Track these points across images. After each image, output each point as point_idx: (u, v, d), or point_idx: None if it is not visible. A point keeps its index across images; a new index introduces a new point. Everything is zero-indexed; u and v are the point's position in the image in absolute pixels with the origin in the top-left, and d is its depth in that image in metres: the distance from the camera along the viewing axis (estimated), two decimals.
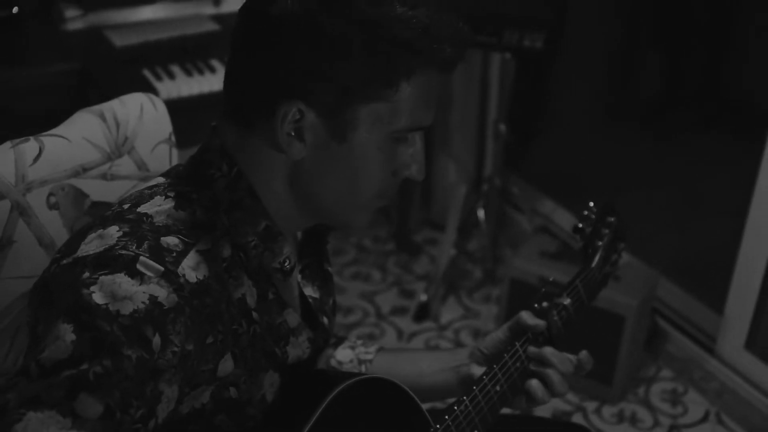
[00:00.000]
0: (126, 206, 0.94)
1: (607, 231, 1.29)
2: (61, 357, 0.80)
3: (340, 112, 0.91)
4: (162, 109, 1.26)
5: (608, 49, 2.91)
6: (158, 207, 0.94)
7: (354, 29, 0.88)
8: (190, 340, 0.87)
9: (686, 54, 2.76)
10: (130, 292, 0.83)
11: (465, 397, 1.07)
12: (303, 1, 0.89)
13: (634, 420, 2.30)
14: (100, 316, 0.81)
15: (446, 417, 1.04)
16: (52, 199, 1.12)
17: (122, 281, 0.84)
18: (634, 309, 2.20)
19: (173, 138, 1.27)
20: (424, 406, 1.12)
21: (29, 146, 1.11)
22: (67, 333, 0.81)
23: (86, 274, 0.84)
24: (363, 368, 1.22)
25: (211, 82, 2.16)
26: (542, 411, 2.14)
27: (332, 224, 1.09)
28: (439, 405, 1.26)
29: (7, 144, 1.11)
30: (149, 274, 0.85)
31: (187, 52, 2.26)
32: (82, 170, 1.16)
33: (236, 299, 0.95)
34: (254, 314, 0.97)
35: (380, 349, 1.25)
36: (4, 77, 2.11)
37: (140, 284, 0.84)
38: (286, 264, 1.00)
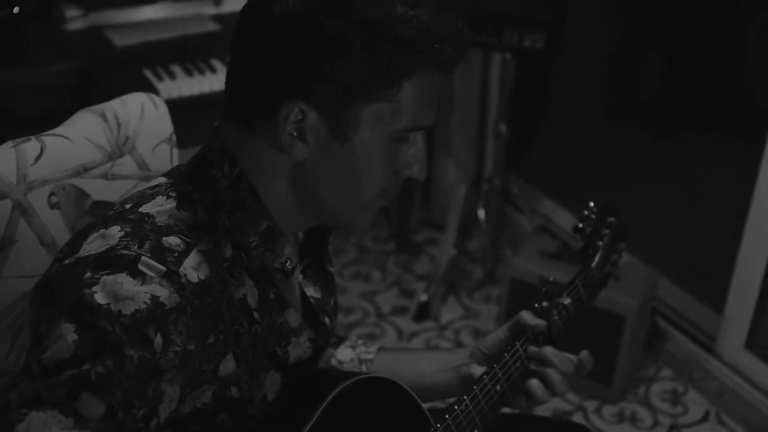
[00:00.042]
0: (128, 206, 0.94)
1: (607, 231, 1.29)
2: (63, 357, 0.80)
3: (342, 112, 0.91)
4: (163, 108, 1.26)
5: (608, 49, 2.91)
6: (160, 207, 0.94)
7: (355, 29, 0.88)
8: (192, 340, 0.87)
9: (686, 54, 2.76)
10: (131, 292, 0.83)
11: (465, 397, 1.07)
12: (304, 2, 0.89)
13: (634, 420, 2.30)
14: (102, 316, 0.81)
15: (447, 416, 1.04)
16: (54, 199, 1.12)
17: (124, 281, 0.84)
18: (634, 309, 2.20)
19: (174, 138, 1.27)
20: (425, 406, 1.13)
21: (30, 146, 1.11)
22: (69, 333, 0.81)
23: (88, 274, 0.84)
24: (363, 368, 1.22)
25: (212, 82, 2.16)
26: (542, 410, 2.14)
27: (334, 225, 1.09)
28: (439, 404, 1.26)
29: (9, 144, 1.11)
30: (151, 274, 0.85)
31: (187, 52, 2.26)
32: (84, 170, 1.16)
33: (237, 299, 0.95)
34: (255, 314, 0.97)
35: (381, 349, 1.25)
36: (4, 77, 2.11)
37: (142, 284, 0.84)
38: (287, 264, 1.00)
